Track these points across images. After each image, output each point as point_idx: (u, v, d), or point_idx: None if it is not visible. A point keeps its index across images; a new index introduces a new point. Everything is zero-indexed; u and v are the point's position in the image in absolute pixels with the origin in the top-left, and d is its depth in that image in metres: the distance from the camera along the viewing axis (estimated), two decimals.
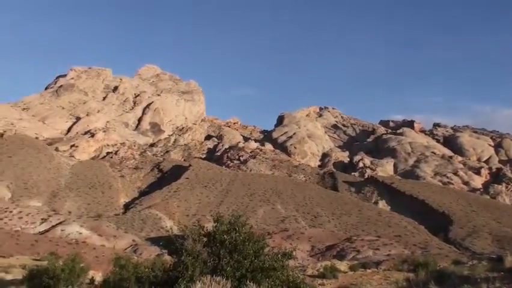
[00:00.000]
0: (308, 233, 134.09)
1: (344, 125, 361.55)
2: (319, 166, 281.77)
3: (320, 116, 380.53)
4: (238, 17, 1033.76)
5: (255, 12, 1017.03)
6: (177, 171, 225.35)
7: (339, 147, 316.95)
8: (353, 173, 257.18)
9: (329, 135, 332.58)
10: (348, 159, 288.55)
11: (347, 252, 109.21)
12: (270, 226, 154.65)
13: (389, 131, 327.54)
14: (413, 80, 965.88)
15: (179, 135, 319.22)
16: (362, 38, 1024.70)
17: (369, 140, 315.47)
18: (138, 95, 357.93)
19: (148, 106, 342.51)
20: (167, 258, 30.68)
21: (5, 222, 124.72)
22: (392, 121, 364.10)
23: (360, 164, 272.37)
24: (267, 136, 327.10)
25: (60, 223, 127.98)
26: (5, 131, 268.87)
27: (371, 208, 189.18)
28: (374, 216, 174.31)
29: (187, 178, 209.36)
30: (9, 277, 30.20)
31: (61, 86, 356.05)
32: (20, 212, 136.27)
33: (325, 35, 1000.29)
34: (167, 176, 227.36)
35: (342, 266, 56.11)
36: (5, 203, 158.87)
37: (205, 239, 17.71)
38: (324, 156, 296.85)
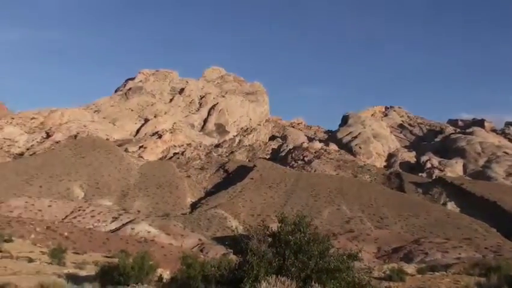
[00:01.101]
0: (374, 235, 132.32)
1: (410, 125, 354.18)
2: (385, 167, 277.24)
3: (386, 115, 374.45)
4: (302, 15, 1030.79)
5: (318, 9, 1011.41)
6: (242, 171, 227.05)
7: (405, 147, 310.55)
8: (420, 174, 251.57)
9: (394, 135, 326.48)
10: (415, 160, 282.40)
11: (414, 254, 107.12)
12: (335, 227, 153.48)
13: (458, 130, 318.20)
14: (483, 77, 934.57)
15: (244, 136, 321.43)
16: (429, 35, 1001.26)
17: (437, 139, 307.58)
18: (203, 96, 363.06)
19: (213, 107, 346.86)
20: (233, 257, 31.07)
21: (79, 221, 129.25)
22: (461, 120, 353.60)
23: (428, 165, 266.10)
24: (331, 136, 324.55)
25: (130, 222, 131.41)
26: (78, 133, 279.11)
27: (439, 210, 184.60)
28: (443, 218, 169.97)
29: (251, 178, 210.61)
30: (83, 273, 31.38)
31: (130, 88, 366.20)
32: (93, 210, 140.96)
33: (390, 32, 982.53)
34: (232, 177, 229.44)
35: (410, 268, 54.99)
36: (78, 202, 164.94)
37: (270, 239, 17.82)
38: (390, 156, 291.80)
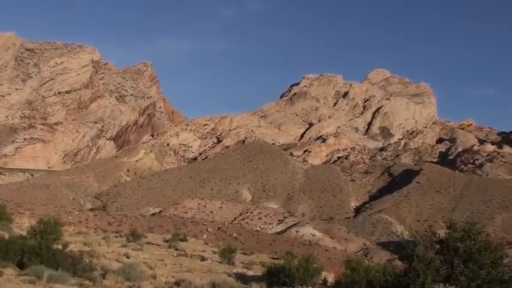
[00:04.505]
0: None
1: None
2: None
3: None
4: (473, 11, 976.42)
5: (490, 5, 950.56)
6: (408, 175, 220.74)
7: None
8: None
9: None
10: None
11: None
12: (510, 235, 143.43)
13: None
14: None
15: (410, 139, 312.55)
16: None
17: None
18: (367, 99, 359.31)
19: (377, 110, 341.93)
20: (398, 263, 30.44)
21: (247, 222, 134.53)
22: None
23: None
24: (505, 138, 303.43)
25: (295, 224, 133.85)
26: (246, 138, 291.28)
27: None
28: None
29: (418, 182, 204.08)
30: (250, 273, 32.65)
31: (295, 94, 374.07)
32: (260, 213, 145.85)
33: None
34: (397, 180, 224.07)
35: None
36: (246, 204, 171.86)
37: (437, 246, 17.36)
38: None
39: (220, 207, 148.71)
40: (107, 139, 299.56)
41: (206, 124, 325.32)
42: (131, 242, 48.45)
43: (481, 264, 16.08)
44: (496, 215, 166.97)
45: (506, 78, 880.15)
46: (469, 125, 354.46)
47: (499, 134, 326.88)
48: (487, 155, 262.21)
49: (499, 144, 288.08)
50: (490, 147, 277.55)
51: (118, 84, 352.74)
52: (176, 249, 47.88)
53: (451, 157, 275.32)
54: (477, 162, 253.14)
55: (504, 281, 15.67)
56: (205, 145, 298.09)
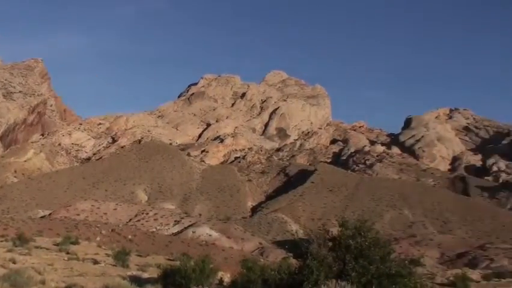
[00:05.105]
0: (437, 240, 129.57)
1: (476, 127, 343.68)
2: (449, 170, 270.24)
3: (450, 118, 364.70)
4: (364, 18, 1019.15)
5: (382, 11, 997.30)
6: (303, 175, 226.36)
7: (470, 150, 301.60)
8: (486, 178, 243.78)
9: (459, 138, 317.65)
10: (481, 163, 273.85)
11: (479, 260, 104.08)
12: (397, 232, 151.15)
13: None
14: None
15: (305, 140, 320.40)
16: (489, 35, 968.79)
17: (505, 142, 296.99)
18: (265, 100, 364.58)
19: (274, 111, 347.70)
20: (293, 261, 30.97)
21: (142, 224, 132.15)
22: None
23: (494, 168, 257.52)
24: (394, 139, 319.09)
25: (191, 225, 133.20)
26: (142, 138, 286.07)
27: (506, 214, 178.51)
28: (510, 223, 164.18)
29: (312, 182, 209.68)
30: (145, 275, 32.02)
31: (193, 94, 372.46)
32: (156, 214, 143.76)
33: (453, 35, 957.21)
34: (293, 180, 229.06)
35: (474, 274, 53.53)
36: (142, 205, 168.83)
37: (330, 244, 17.74)
38: (455, 159, 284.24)
39: (115, 209, 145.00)
40: None
41: (100, 123, 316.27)
42: (18, 247, 46.15)
43: (371, 260, 16.61)
44: (385, 212, 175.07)
45: (394, 82, 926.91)
46: (360, 127, 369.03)
47: (388, 135, 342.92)
48: (377, 156, 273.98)
49: (388, 145, 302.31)
50: (379, 148, 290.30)
51: (5, 80, 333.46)
52: (68, 253, 46.07)
53: (344, 157, 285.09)
54: (368, 163, 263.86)
55: (391, 275, 16.27)
56: (100, 145, 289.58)
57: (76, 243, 59.22)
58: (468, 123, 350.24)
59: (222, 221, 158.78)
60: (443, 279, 48.00)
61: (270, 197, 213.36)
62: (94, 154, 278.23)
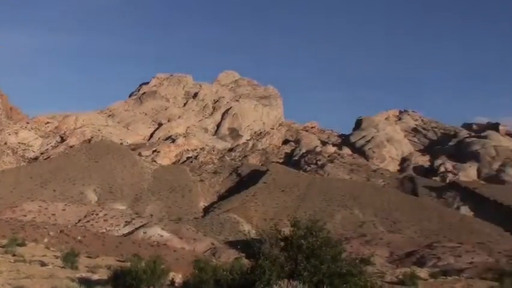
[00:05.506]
0: (387, 239, 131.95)
1: (424, 129, 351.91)
2: (398, 171, 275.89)
3: (400, 119, 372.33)
4: (312, 17, 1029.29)
5: (329, 11, 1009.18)
6: (255, 175, 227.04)
7: (419, 151, 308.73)
8: (433, 178, 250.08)
9: (408, 139, 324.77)
10: (429, 164, 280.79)
11: (427, 259, 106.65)
12: (348, 231, 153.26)
13: (472, 134, 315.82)
14: (499, 80, 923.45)
15: (257, 140, 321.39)
16: (443, 36, 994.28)
17: (451, 143, 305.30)
18: (217, 100, 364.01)
19: (226, 111, 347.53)
20: (245, 261, 30.99)
21: (92, 225, 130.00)
22: (476, 124, 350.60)
23: (442, 169, 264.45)
24: (345, 140, 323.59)
25: (142, 226, 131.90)
26: (92, 137, 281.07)
27: (452, 214, 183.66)
28: (456, 223, 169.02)
29: (264, 182, 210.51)
30: (95, 277, 31.45)
31: (144, 93, 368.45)
32: (106, 214, 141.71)
33: (402, 39, 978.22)
34: (245, 181, 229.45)
35: (422, 273, 54.81)
36: (92, 206, 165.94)
37: (282, 244, 17.80)
38: (404, 160, 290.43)
39: (64, 210, 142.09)
40: None
41: (49, 122, 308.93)
42: None
43: (322, 259, 16.74)
44: (336, 212, 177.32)
45: (346, 82, 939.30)
46: (312, 127, 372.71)
47: (339, 136, 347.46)
48: (328, 156, 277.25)
49: (339, 146, 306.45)
50: (331, 149, 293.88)
51: None
52: (14, 255, 44.72)
53: (296, 158, 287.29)
54: (319, 163, 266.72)
55: (342, 274, 16.45)
56: (48, 144, 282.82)
57: (22, 245, 57.57)
58: (416, 125, 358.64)
59: (173, 221, 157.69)
60: (392, 277, 48.92)
61: (222, 197, 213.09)
62: (42, 153, 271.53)
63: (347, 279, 16.38)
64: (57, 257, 45.26)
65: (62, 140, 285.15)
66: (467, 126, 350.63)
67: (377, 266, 79.87)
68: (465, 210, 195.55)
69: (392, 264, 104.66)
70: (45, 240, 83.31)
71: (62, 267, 38.29)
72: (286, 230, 18.35)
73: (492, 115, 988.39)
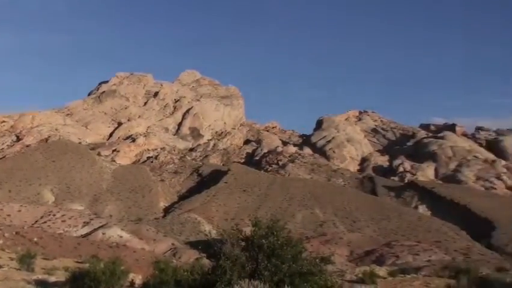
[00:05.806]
0: (347, 238, 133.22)
1: (383, 129, 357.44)
2: (358, 170, 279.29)
3: (359, 120, 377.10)
4: (275, 18, 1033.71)
5: (293, 12, 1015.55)
6: (216, 175, 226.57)
7: (378, 151, 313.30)
8: (392, 178, 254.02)
9: (368, 140, 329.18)
10: (388, 164, 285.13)
11: (386, 257, 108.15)
12: (309, 231, 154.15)
13: (430, 134, 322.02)
14: (457, 81, 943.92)
15: (219, 140, 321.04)
16: (401, 37, 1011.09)
17: (409, 144, 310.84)
18: (178, 100, 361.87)
19: (187, 111, 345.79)
20: (206, 262, 30.87)
21: (49, 225, 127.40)
22: (433, 125, 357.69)
23: (400, 169, 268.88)
24: (305, 140, 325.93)
25: (101, 226, 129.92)
26: (49, 136, 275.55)
27: (410, 213, 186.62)
28: (414, 222, 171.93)
29: (226, 182, 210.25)
30: (52, 279, 30.85)
31: (103, 92, 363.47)
32: (63, 215, 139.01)
33: (362, 35, 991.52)
34: (206, 181, 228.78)
35: (381, 271, 55.51)
36: (49, 206, 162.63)
37: (243, 243, 17.79)
38: (363, 160, 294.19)
39: (19, 210, 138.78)
40: None
41: (4, 121, 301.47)
42: None
43: (283, 259, 16.80)
44: (297, 212, 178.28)
45: (308, 83, 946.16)
46: (273, 127, 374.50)
47: (300, 136, 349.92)
48: (289, 156, 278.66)
49: (300, 146, 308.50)
50: (292, 149, 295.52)
51: None
52: None
53: (257, 158, 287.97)
54: (280, 163, 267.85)
55: (303, 273, 16.54)
56: (3, 143, 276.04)
57: None
58: (376, 125, 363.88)
59: (133, 221, 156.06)
60: (352, 276, 49.45)
61: (183, 197, 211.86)
62: None
63: (307, 278, 16.47)
64: (12, 259, 44.37)
65: (18, 139, 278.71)
66: (425, 126, 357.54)
67: (337, 265, 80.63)
68: (423, 209, 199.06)
69: (351, 263, 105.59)
70: (0, 241, 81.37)
71: (18, 269, 37.50)
72: (247, 230, 18.35)
73: (448, 116, 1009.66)
